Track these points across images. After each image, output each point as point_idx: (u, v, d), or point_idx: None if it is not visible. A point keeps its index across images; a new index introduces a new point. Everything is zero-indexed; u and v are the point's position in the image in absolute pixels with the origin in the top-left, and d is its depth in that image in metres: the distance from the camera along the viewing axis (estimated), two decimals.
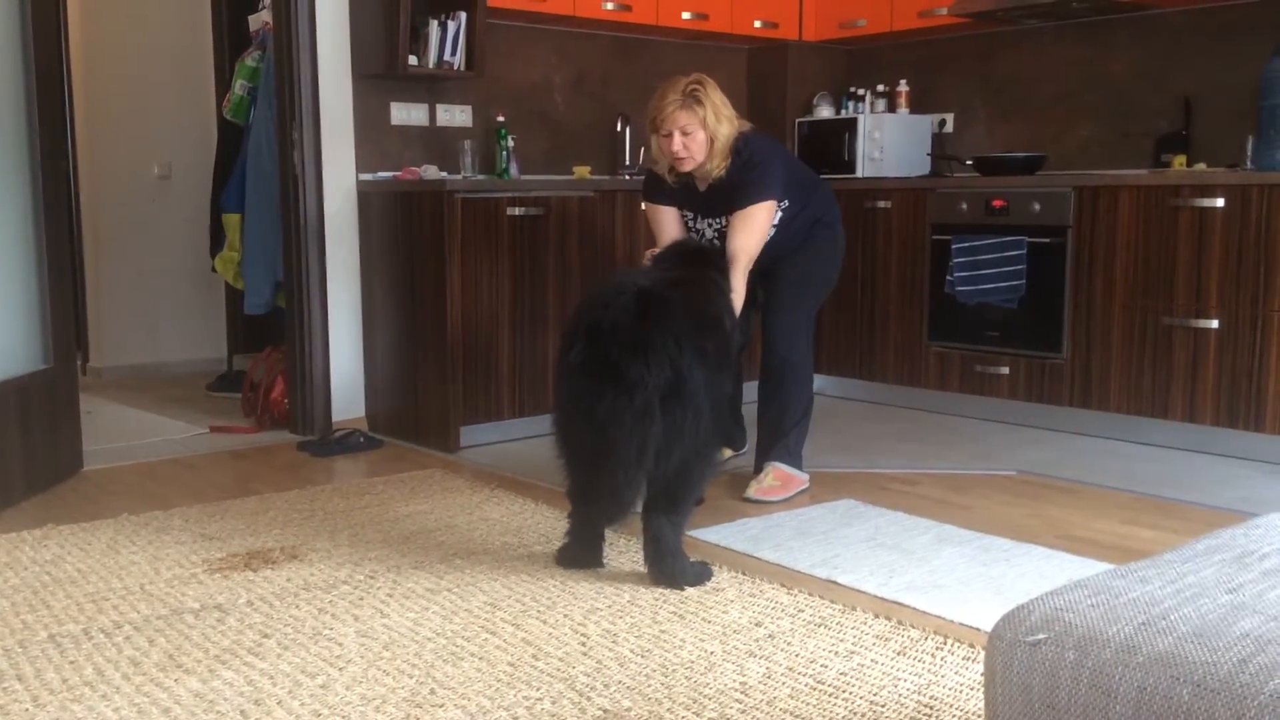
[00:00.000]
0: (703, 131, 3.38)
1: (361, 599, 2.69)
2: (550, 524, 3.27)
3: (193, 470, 4.06)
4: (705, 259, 3.27)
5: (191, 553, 3.05)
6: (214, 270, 5.42)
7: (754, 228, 3.44)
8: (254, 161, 4.93)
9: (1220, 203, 4.00)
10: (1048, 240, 4.47)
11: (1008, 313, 4.60)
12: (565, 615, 2.58)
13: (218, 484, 3.85)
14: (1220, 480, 3.78)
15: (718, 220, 3.56)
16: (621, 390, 2.64)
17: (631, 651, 2.37)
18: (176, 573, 2.89)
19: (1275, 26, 4.20)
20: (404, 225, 4.39)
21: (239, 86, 5.06)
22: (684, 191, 3.58)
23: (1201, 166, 4.39)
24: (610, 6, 4.96)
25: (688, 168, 3.45)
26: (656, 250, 3.42)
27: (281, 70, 4.46)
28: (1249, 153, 4.26)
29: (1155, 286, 4.20)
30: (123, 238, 6.05)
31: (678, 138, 3.38)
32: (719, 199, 3.51)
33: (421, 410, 4.40)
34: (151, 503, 3.58)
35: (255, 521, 3.35)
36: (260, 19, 5.02)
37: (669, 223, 3.61)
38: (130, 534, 3.23)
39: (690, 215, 3.62)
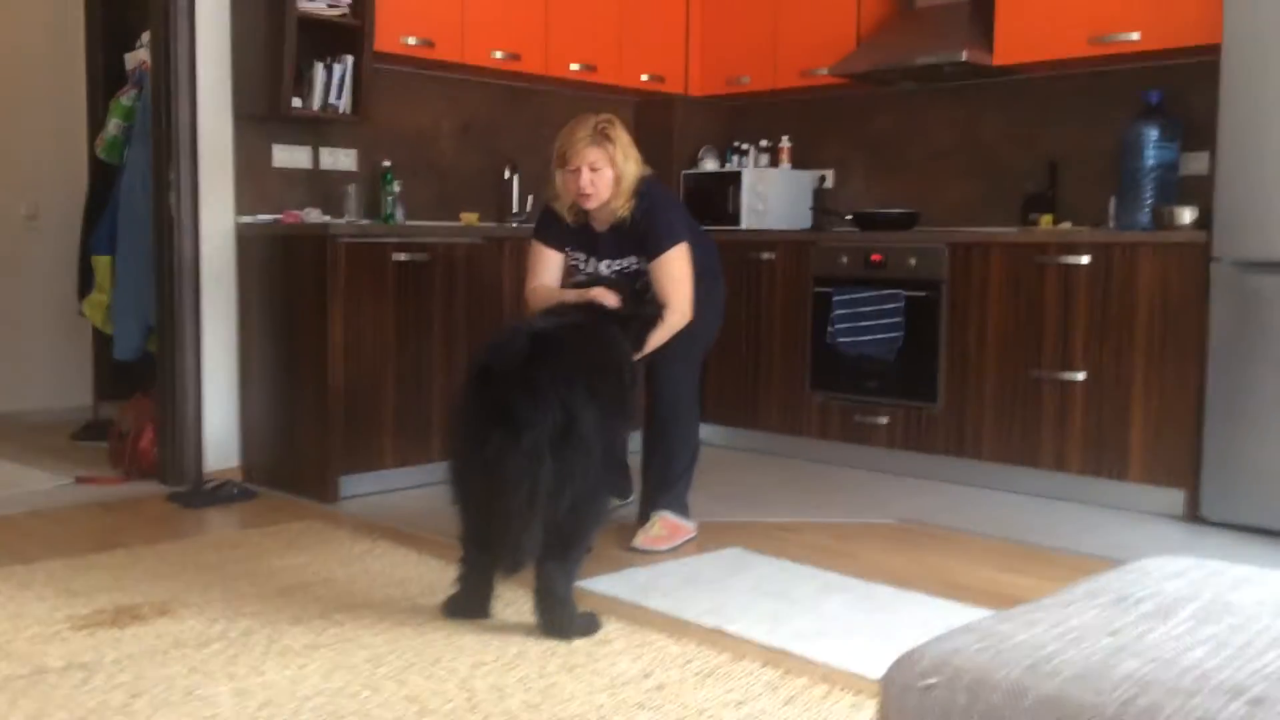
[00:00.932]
0: (611, 169, 3.41)
1: (236, 656, 2.60)
2: (435, 575, 3.21)
3: (57, 523, 3.87)
4: (600, 311, 3.28)
5: (55, 609, 2.90)
6: (82, 314, 5.22)
7: (679, 273, 3.49)
8: (127, 202, 4.77)
9: (1085, 260, 4.18)
10: (923, 294, 4.60)
11: (886, 364, 4.72)
12: (451, 670, 2.53)
13: (83, 537, 3.68)
14: (1088, 527, 3.91)
15: (617, 262, 3.57)
16: (510, 431, 2.62)
17: (520, 705, 2.33)
18: (39, 630, 2.75)
19: (1134, 93, 4.43)
20: (284, 269, 4.30)
21: (113, 125, 4.91)
22: (580, 233, 3.59)
23: (1067, 225, 4.58)
24: (499, 55, 4.98)
25: (592, 205, 3.46)
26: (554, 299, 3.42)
27: (159, 109, 4.35)
28: (1111, 213, 4.46)
29: (1025, 340, 4.35)
30: None
31: (586, 174, 3.40)
32: (621, 241, 3.54)
33: (299, 460, 4.29)
34: (12, 557, 3.40)
35: (123, 576, 3.21)
36: (137, 58, 4.89)
37: (551, 265, 3.62)
38: None
39: (582, 258, 3.63)
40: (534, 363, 2.71)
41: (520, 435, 2.61)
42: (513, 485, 2.60)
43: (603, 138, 3.41)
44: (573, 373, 2.74)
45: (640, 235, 3.50)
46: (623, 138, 3.45)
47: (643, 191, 3.49)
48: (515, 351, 2.74)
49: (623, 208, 3.47)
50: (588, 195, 3.43)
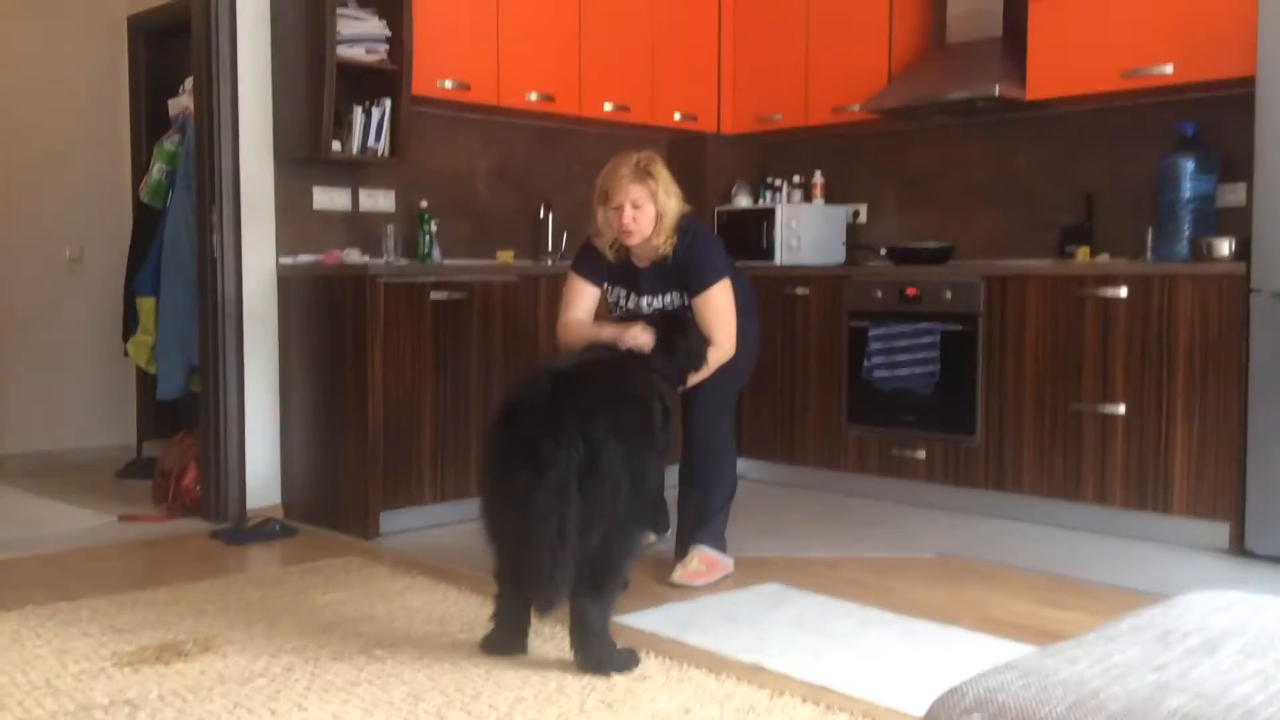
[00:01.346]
0: (652, 205, 3.45)
1: (278, 692, 2.62)
2: (474, 611, 3.22)
3: (101, 560, 3.92)
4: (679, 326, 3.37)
5: (100, 646, 2.94)
6: (126, 354, 5.31)
7: (723, 308, 3.53)
8: (171, 245, 4.87)
9: (1123, 292, 4.16)
10: (959, 328, 4.59)
11: (924, 397, 4.70)
12: (490, 706, 2.54)
13: (127, 574, 3.72)
14: (1131, 561, 3.87)
15: (658, 298, 3.60)
16: (536, 470, 2.65)
17: None
18: (84, 667, 2.78)
19: (1169, 125, 4.42)
20: (325, 309, 4.36)
21: (157, 170, 5.01)
22: (621, 269, 3.62)
23: (1104, 257, 4.57)
24: (534, 97, 5.04)
25: (634, 241, 3.49)
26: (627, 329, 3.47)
27: (202, 153, 4.44)
28: (1149, 244, 4.44)
29: (1064, 373, 4.33)
30: (30, 321, 5.90)
31: (628, 210, 3.43)
32: (663, 277, 3.57)
33: (340, 496, 4.32)
34: (57, 594, 3.44)
35: (167, 613, 3.24)
36: (180, 103, 5.00)
37: (586, 299, 3.65)
38: (35, 627, 3.10)
39: (623, 293, 3.65)
40: (556, 399, 2.74)
41: (546, 472, 2.63)
42: (542, 521, 2.63)
43: (645, 174, 3.44)
44: (595, 407, 2.76)
45: (683, 272, 3.53)
46: (664, 174, 3.49)
47: (683, 228, 3.52)
48: (539, 389, 2.78)
49: (665, 244, 3.50)
50: (630, 232, 3.46)
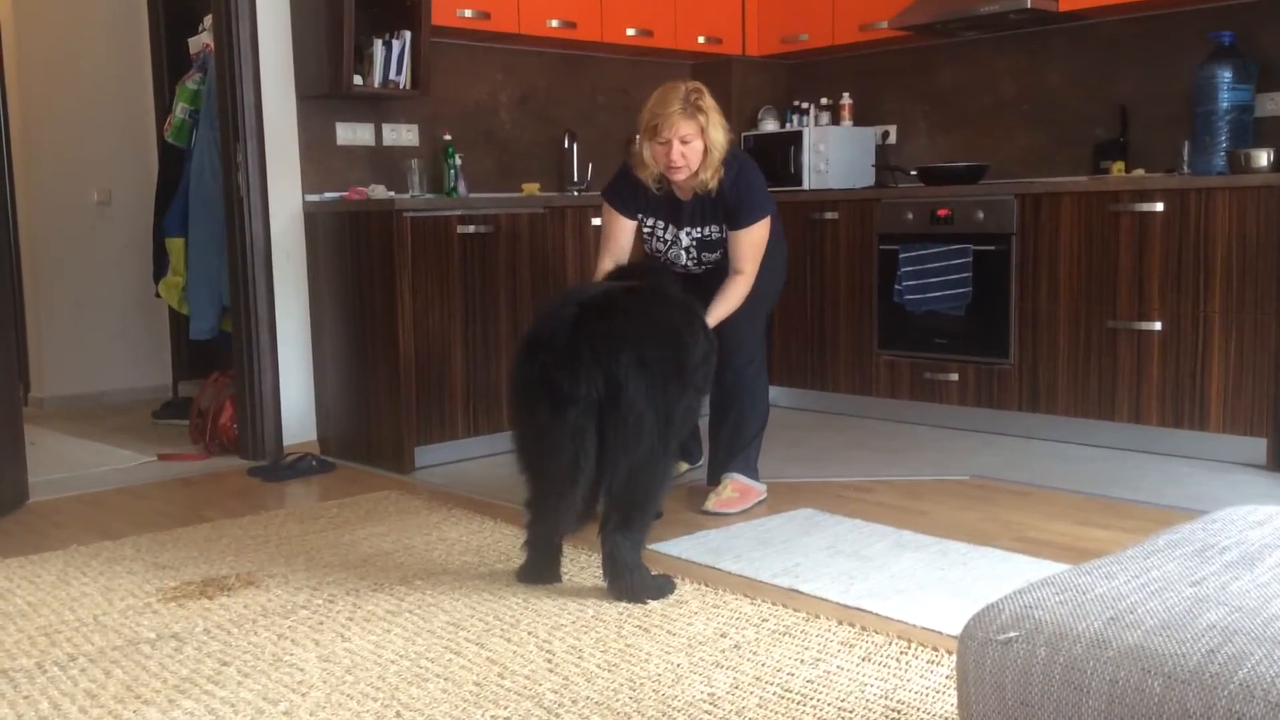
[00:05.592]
0: (701, 140, 3.38)
1: (321, 623, 2.66)
2: (510, 542, 3.25)
3: (142, 499, 3.98)
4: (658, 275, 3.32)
5: (145, 582, 3.00)
6: (158, 295, 5.34)
7: (758, 243, 3.52)
8: (197, 185, 4.87)
9: (1159, 207, 4.09)
10: (992, 248, 4.53)
11: (955, 320, 4.66)
12: (529, 633, 2.57)
13: (168, 512, 3.78)
14: (1168, 479, 3.85)
15: (698, 229, 3.57)
16: (556, 405, 2.65)
17: (598, 667, 2.36)
18: (130, 603, 2.84)
19: (1206, 34, 4.30)
20: (352, 246, 4.36)
21: (180, 110, 5.00)
22: (661, 200, 3.57)
23: (1139, 172, 4.48)
24: (555, 24, 4.97)
25: (682, 177, 3.44)
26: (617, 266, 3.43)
27: (224, 92, 4.41)
28: (1185, 158, 4.36)
29: (1098, 291, 4.27)
30: (62, 265, 5.94)
31: (677, 146, 3.36)
32: (706, 210, 3.53)
33: (374, 432, 4.36)
34: (101, 533, 3.51)
35: (209, 549, 3.30)
36: (200, 41, 4.97)
37: (625, 236, 3.61)
38: (80, 565, 3.16)
39: (661, 224, 3.61)
40: (579, 332, 2.71)
41: (564, 409, 2.63)
42: (554, 458, 2.65)
43: (694, 109, 3.36)
44: (620, 340, 2.71)
45: (728, 205, 3.49)
46: (712, 107, 3.41)
47: (729, 160, 3.46)
48: (561, 322, 2.75)
49: (712, 179, 3.45)
50: (678, 168, 3.40)
